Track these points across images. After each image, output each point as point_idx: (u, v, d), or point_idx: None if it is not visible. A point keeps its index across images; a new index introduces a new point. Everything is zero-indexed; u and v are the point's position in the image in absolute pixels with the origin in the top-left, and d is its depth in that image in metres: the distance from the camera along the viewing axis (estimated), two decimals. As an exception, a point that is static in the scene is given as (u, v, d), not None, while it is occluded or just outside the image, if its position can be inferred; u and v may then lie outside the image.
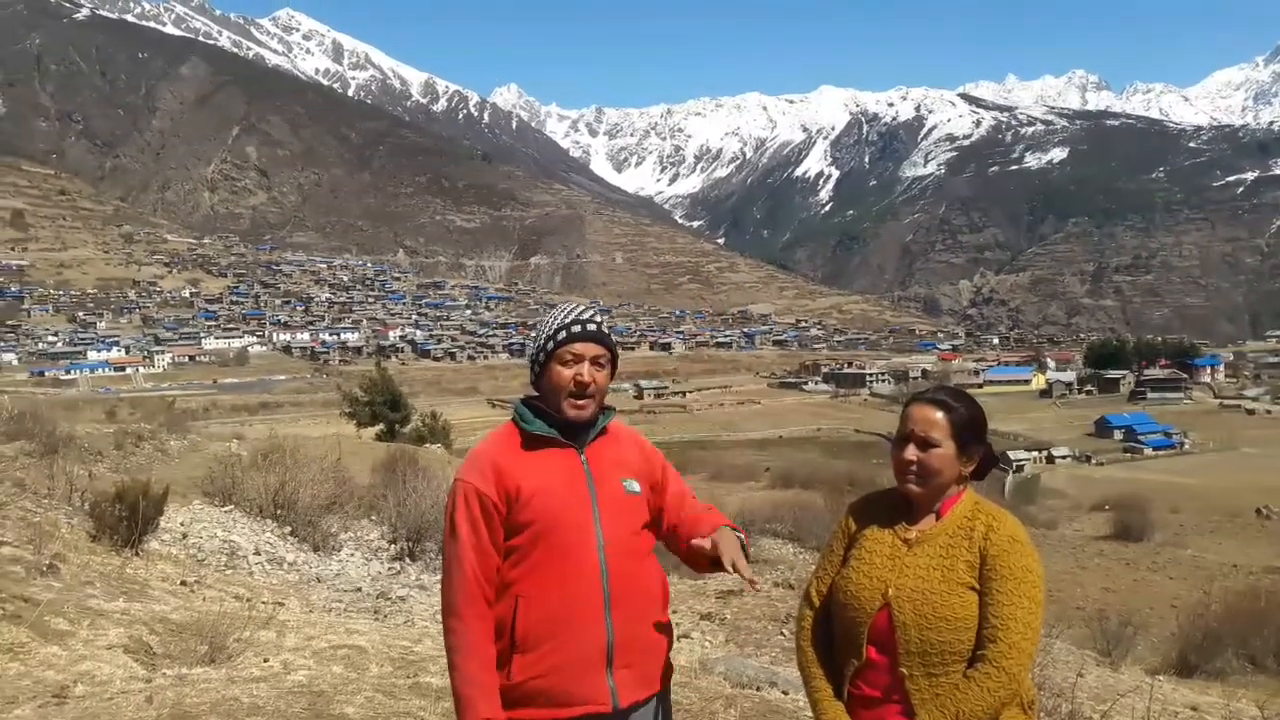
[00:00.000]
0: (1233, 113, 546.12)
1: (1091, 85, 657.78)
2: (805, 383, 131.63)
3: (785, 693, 5.34)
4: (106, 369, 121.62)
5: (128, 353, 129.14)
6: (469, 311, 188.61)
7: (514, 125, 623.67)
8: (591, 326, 2.30)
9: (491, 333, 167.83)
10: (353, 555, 10.09)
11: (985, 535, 2.12)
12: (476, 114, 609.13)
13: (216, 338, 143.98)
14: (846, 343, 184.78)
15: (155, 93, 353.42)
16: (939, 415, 2.18)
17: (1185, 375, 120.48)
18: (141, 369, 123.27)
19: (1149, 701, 6.14)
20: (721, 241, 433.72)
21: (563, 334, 2.28)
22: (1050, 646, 7.14)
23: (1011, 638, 2.03)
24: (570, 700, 2.17)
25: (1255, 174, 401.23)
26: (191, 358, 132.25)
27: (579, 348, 2.27)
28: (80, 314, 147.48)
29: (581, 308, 2.37)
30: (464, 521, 2.22)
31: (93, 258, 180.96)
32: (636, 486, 2.31)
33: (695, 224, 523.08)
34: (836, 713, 2.16)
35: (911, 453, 2.18)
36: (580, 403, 2.26)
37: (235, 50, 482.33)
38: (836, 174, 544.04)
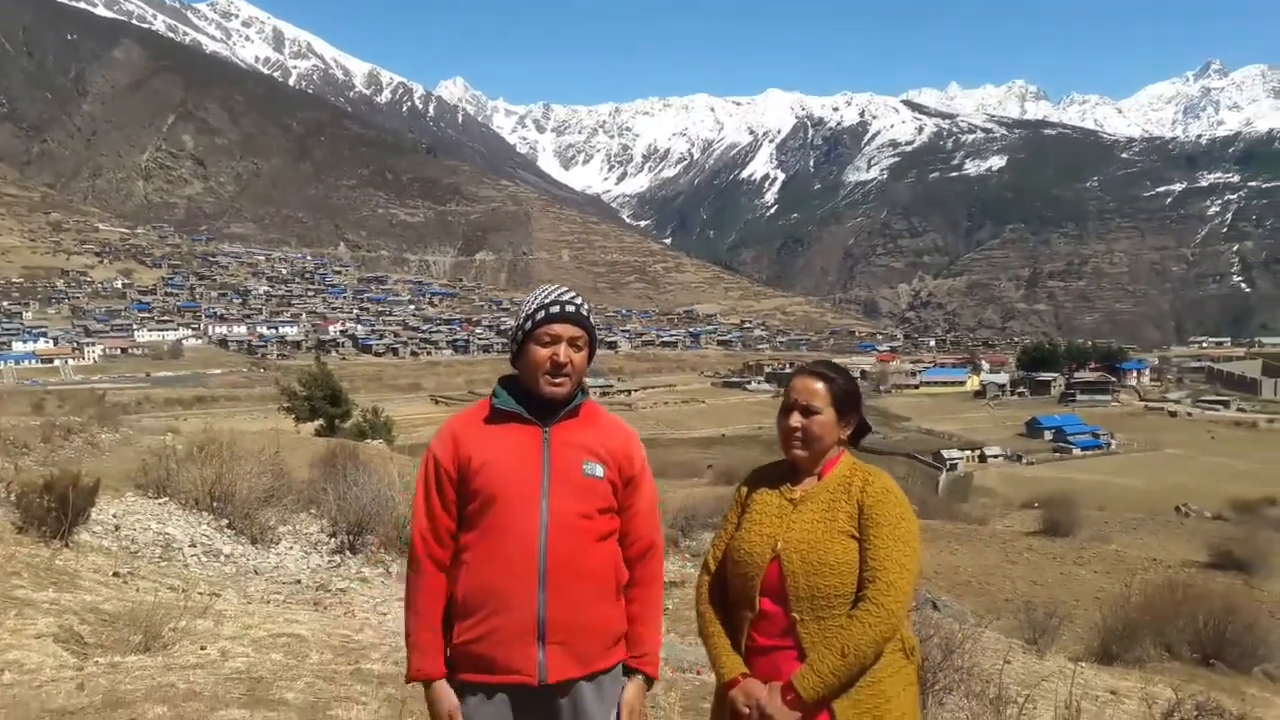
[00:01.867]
0: (1163, 125, 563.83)
1: (1031, 95, 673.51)
2: (749, 382, 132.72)
3: (722, 678, 5.44)
4: (33, 361, 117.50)
5: (56, 344, 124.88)
6: (412, 307, 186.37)
7: (460, 119, 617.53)
8: (570, 308, 2.32)
9: (435, 329, 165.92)
10: (291, 548, 9.97)
11: (862, 489, 2.33)
12: (421, 107, 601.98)
13: (150, 330, 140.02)
14: (789, 343, 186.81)
15: (86, 76, 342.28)
16: (819, 385, 2.40)
17: (1113, 379, 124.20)
18: (70, 361, 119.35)
19: (1071, 685, 6.39)
20: (668, 241, 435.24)
21: (541, 314, 2.31)
22: (980, 635, 7.38)
23: (889, 577, 2.22)
24: (498, 668, 2.23)
25: (1183, 185, 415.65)
26: (123, 350, 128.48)
27: (557, 328, 2.30)
28: (4, 303, 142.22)
29: (562, 289, 2.38)
30: (421, 485, 2.34)
31: (18, 245, 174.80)
32: (599, 471, 2.30)
33: (643, 223, 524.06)
34: (734, 662, 2.31)
35: (796, 420, 2.38)
36: (556, 380, 2.29)
37: (171, 35, 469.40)
38: (782, 177, 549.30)
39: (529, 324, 2.32)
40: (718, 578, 2.45)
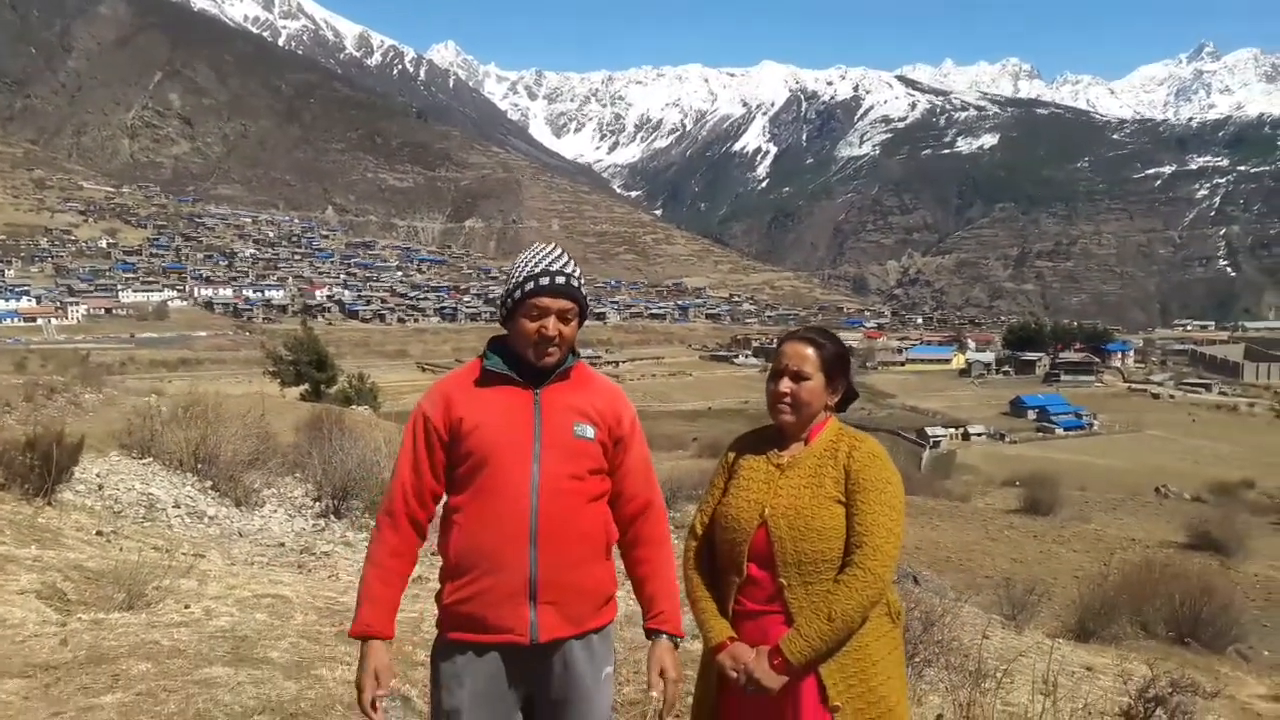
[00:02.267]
0: (1155, 107, 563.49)
1: (1024, 74, 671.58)
2: (736, 356, 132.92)
3: (705, 646, 5.48)
4: (15, 319, 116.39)
5: (39, 303, 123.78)
6: (400, 273, 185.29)
7: (451, 84, 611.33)
8: (560, 279, 2.27)
9: (423, 296, 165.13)
10: (275, 511, 9.97)
11: (849, 454, 2.33)
12: (412, 70, 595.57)
13: (135, 291, 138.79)
14: (777, 318, 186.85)
15: (71, 31, 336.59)
16: (810, 351, 2.40)
17: (1097, 359, 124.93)
18: (54, 320, 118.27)
19: (1049, 661, 6.47)
20: (659, 213, 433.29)
21: (530, 285, 2.26)
22: (960, 610, 7.46)
23: (875, 541, 2.23)
24: (489, 628, 2.23)
25: (1173, 168, 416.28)
26: (108, 310, 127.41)
27: (546, 301, 2.25)
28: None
29: (553, 256, 2.31)
30: (409, 441, 2.31)
31: (0, 203, 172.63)
32: (590, 432, 2.29)
33: (633, 194, 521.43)
34: (722, 627, 2.32)
35: (785, 385, 2.38)
36: (547, 351, 2.27)
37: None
38: (774, 150, 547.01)
39: (518, 293, 2.27)
40: (705, 542, 2.45)
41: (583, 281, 2.34)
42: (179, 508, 8.94)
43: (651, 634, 2.35)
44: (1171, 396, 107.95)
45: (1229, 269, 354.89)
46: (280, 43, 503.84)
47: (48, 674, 3.75)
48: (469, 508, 2.26)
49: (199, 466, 10.21)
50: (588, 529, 2.29)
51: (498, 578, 2.22)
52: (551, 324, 2.25)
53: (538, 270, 2.27)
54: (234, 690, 3.75)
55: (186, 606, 4.93)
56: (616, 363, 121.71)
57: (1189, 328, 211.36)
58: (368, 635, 2.25)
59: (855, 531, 2.25)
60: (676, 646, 2.34)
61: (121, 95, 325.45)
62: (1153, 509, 31.37)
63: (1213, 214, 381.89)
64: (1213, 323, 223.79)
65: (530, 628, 2.23)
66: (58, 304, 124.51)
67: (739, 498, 2.37)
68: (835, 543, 2.26)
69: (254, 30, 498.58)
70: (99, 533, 7.08)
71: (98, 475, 9.16)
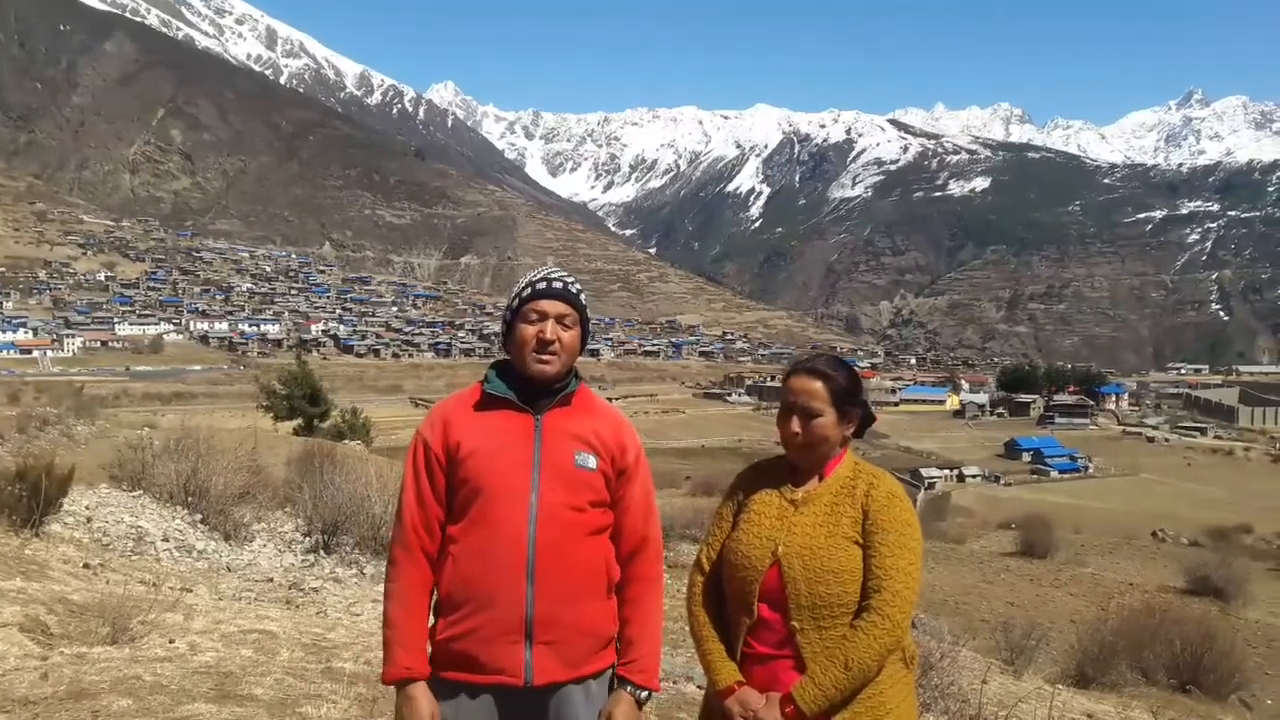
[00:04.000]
0: (1145, 153, 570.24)
1: (1015, 118, 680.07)
2: (729, 394, 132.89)
3: (700, 687, 5.39)
4: (12, 351, 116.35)
5: (35, 335, 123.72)
6: (395, 309, 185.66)
7: (449, 123, 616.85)
8: (558, 284, 2.24)
9: (418, 331, 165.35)
10: (265, 546, 9.84)
11: (867, 493, 2.20)
12: (411, 109, 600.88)
13: (131, 324, 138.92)
14: (770, 356, 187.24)
15: (76, 68, 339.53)
16: (818, 385, 2.24)
17: (1092, 402, 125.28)
18: (50, 352, 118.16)
19: (1049, 708, 6.37)
20: (653, 251, 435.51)
21: (528, 290, 2.23)
22: (957, 654, 7.35)
23: (895, 586, 2.10)
24: (482, 667, 2.11)
25: (1164, 213, 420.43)
26: (104, 343, 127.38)
27: (544, 305, 2.21)
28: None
29: (552, 267, 2.31)
30: (410, 470, 2.21)
31: (1, 235, 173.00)
32: (592, 462, 2.19)
33: (628, 232, 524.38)
34: (730, 671, 2.18)
35: (796, 425, 2.24)
36: (544, 358, 2.19)
37: (164, 29, 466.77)
38: (767, 191, 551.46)
39: (516, 301, 2.23)
40: (711, 579, 2.31)
41: (582, 292, 2.29)
42: (168, 541, 8.82)
43: (618, 681, 2.20)
44: (1166, 440, 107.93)
45: (1221, 313, 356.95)
46: (282, 81, 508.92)
47: (26, 709, 3.65)
48: (463, 538, 2.14)
49: (189, 500, 10.09)
50: (587, 564, 2.17)
51: (491, 614, 2.10)
52: (550, 327, 2.20)
53: (537, 278, 2.26)
54: (217, 728, 3.64)
55: (171, 641, 4.83)
56: (610, 399, 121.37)
57: (1183, 371, 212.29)
58: (408, 679, 2.12)
59: (873, 575, 2.13)
60: (640, 703, 2.18)
61: (124, 131, 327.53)
62: (1149, 553, 31.16)
63: (1204, 258, 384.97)
64: (1206, 366, 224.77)
65: (525, 669, 2.11)
66: (54, 336, 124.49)
67: (750, 534, 2.24)
68: (851, 585, 2.13)
69: (256, 68, 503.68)
70: (86, 565, 6.97)
71: (87, 507, 9.04)
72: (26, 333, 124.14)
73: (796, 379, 2.27)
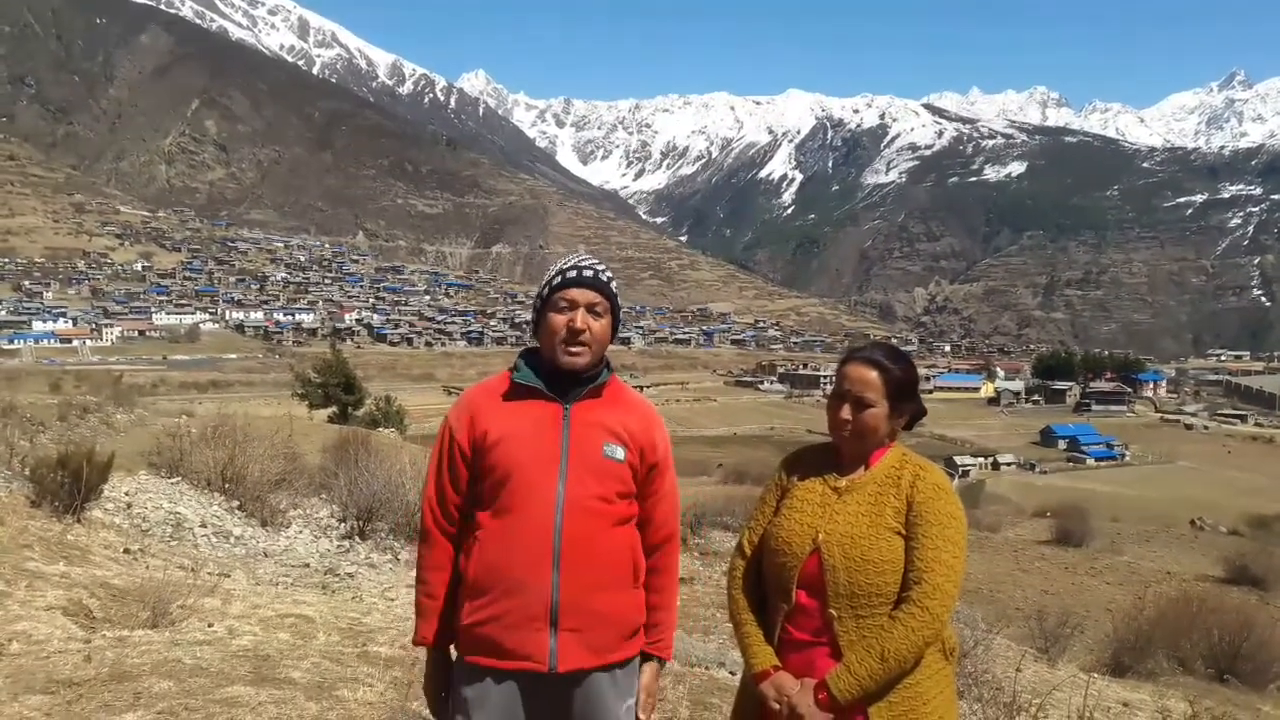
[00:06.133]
0: (1186, 136, 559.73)
1: (1052, 102, 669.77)
2: (761, 382, 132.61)
3: (733, 673, 5.40)
4: (52, 340, 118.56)
5: (75, 325, 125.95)
6: (428, 297, 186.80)
7: (480, 112, 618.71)
8: (588, 273, 2.22)
9: (450, 320, 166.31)
10: (301, 532, 9.97)
11: (912, 484, 2.18)
12: (443, 99, 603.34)
13: (168, 313, 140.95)
14: (803, 345, 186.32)
15: (113, 61, 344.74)
16: (874, 375, 2.21)
17: (1129, 389, 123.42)
18: (89, 342, 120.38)
19: (1084, 696, 6.30)
20: (684, 239, 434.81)
21: (558, 279, 2.22)
22: (991, 642, 7.30)
23: (936, 579, 2.09)
24: (507, 653, 2.14)
25: (1204, 197, 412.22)
26: (141, 333, 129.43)
27: (574, 293, 2.20)
28: (26, 283, 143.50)
29: (583, 255, 2.30)
30: (435, 455, 2.27)
31: (41, 226, 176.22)
32: (620, 453, 2.20)
33: (659, 220, 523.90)
34: (767, 655, 2.19)
35: (847, 412, 2.22)
36: (574, 349, 2.18)
37: (198, 21, 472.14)
38: (800, 177, 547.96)
39: (547, 290, 2.23)
40: (753, 563, 2.31)
41: (613, 280, 2.28)
42: (205, 527, 8.96)
43: (645, 657, 2.30)
44: (1205, 427, 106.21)
45: (1263, 298, 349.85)
46: (315, 71, 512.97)
47: (70, 690, 3.74)
48: (490, 525, 2.17)
49: (226, 486, 10.24)
50: (614, 553, 2.19)
51: (517, 600, 2.12)
52: (580, 316, 2.18)
53: (567, 266, 2.25)
54: (255, 710, 3.71)
55: (210, 625, 4.91)
56: (641, 388, 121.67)
57: (1223, 358, 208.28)
58: (422, 643, 2.28)
59: (915, 567, 2.11)
60: (661, 668, 2.35)
61: (160, 122, 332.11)
62: (1187, 541, 30.65)
63: (1246, 243, 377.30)
64: (1247, 353, 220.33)
65: (550, 655, 2.12)
66: (93, 326, 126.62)
67: (791, 520, 2.23)
68: (891, 576, 2.12)
69: (289, 59, 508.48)
70: (126, 550, 7.10)
71: (126, 494, 9.21)
72: (66, 322, 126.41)
73: (853, 367, 2.24)
